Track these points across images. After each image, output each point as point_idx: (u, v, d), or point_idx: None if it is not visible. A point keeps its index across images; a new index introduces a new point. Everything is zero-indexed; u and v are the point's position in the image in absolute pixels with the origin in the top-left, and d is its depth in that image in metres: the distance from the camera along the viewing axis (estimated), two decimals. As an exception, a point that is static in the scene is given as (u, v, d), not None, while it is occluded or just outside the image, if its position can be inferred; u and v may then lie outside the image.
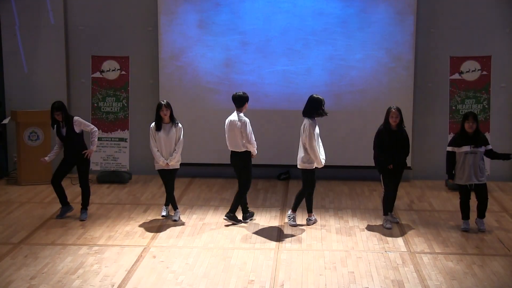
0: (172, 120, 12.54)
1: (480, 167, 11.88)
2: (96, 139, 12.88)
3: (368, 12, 15.77)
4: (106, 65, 15.95)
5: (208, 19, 16.02)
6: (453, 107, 15.42)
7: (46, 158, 12.85)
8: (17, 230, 12.15)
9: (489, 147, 12.01)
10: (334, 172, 15.66)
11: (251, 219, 12.73)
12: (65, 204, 12.96)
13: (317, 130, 12.04)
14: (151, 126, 12.58)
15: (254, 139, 12.32)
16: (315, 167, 12.17)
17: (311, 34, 15.93)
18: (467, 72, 15.36)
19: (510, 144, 15.88)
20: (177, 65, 16.17)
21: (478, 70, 15.35)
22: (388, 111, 12.12)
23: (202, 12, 16.01)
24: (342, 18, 15.81)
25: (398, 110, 12.07)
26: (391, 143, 12.08)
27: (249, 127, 12.24)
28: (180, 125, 12.64)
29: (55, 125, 12.67)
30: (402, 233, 12.05)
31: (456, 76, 15.41)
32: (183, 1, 16.00)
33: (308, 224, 12.52)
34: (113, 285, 9.58)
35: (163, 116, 12.44)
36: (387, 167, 12.20)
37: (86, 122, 12.84)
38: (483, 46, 15.72)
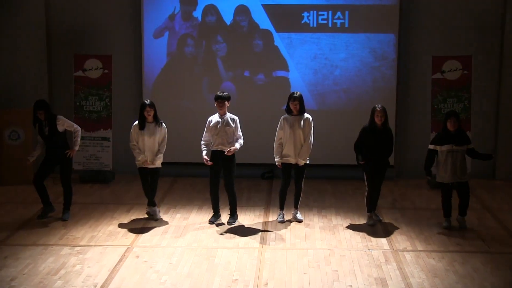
0: (156, 119, 12.48)
1: (462, 165, 11.94)
2: (79, 139, 12.79)
3: (352, 11, 15.79)
4: (88, 63, 15.89)
5: (192, 17, 16.02)
6: (435, 106, 15.47)
7: (30, 158, 12.79)
8: (-2, 230, 12.11)
9: (471, 146, 12.06)
10: (318, 171, 15.67)
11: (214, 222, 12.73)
12: (48, 205, 12.88)
13: None
14: (134, 124, 12.50)
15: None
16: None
17: (295, 33, 15.94)
18: (448, 71, 15.42)
19: (490, 143, 16.01)
20: (160, 64, 16.14)
21: (460, 69, 15.41)
22: (373, 110, 12.15)
23: (186, 9, 16.00)
24: (326, 17, 15.82)
25: (383, 109, 12.10)
26: (376, 142, 12.09)
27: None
28: (164, 124, 12.59)
29: (37, 124, 12.57)
30: (385, 232, 12.08)
31: (438, 75, 15.47)
32: (166, -1, 16.04)
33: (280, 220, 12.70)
34: (96, 286, 9.54)
35: (146, 116, 12.36)
36: (368, 165, 12.27)
37: (70, 122, 12.76)
38: (464, 46, 15.78)
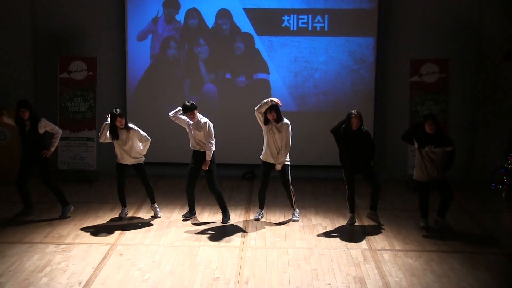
0: (126, 126, 12.47)
1: (438, 166, 11.99)
2: (58, 141, 12.80)
3: (332, 14, 15.86)
4: (73, 65, 15.89)
5: (175, 20, 16.06)
6: (413, 108, 15.57)
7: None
8: (-16, 228, 12.10)
9: (450, 148, 11.99)
10: (298, 172, 15.73)
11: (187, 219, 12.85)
12: (28, 207, 12.89)
13: None
14: (106, 126, 12.50)
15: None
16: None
17: (276, 37, 16.00)
18: (426, 74, 15.52)
19: (467, 145, 16.10)
20: (143, 66, 16.17)
21: (437, 72, 15.51)
22: (349, 116, 12.11)
23: (169, 12, 16.04)
24: (307, 20, 15.89)
25: (359, 115, 12.07)
26: (353, 145, 12.14)
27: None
28: (132, 125, 12.56)
29: (17, 122, 12.61)
30: (363, 231, 12.14)
31: (416, 78, 15.57)
32: (151, 0, 16.02)
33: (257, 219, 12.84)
34: (80, 283, 9.57)
35: (119, 126, 12.36)
36: (345, 167, 12.37)
37: (52, 124, 12.75)
38: (441, 49, 15.88)
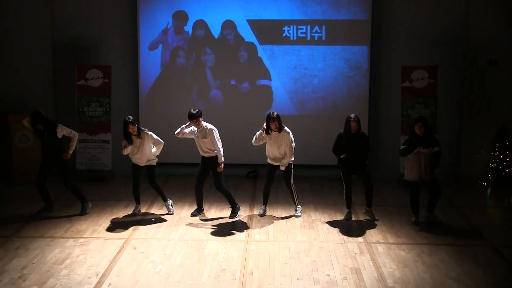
0: (139, 132, 12.46)
1: (427, 166, 11.98)
2: (75, 144, 12.78)
3: (329, 24, 15.86)
4: (90, 73, 15.91)
5: (183, 30, 16.06)
6: (404, 112, 15.56)
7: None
8: (9, 224, 12.08)
9: (437, 149, 11.99)
10: (297, 171, 15.71)
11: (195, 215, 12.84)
12: (49, 205, 12.89)
13: None
14: (123, 142, 12.53)
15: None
16: None
17: (277, 45, 16.00)
18: (416, 80, 15.51)
19: (455, 145, 16.11)
20: (154, 74, 16.17)
21: (426, 78, 15.50)
22: (348, 119, 12.14)
23: (178, 23, 16.04)
24: (305, 30, 15.89)
25: (357, 118, 12.12)
26: (350, 146, 12.16)
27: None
28: (146, 130, 12.58)
29: (36, 130, 12.58)
30: (359, 226, 12.13)
31: (407, 83, 15.56)
32: (161, 13, 16.00)
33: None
34: (97, 274, 9.58)
35: (132, 132, 12.37)
36: (343, 166, 12.39)
37: (68, 129, 12.72)
38: (430, 56, 15.87)
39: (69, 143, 12.71)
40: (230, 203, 12.77)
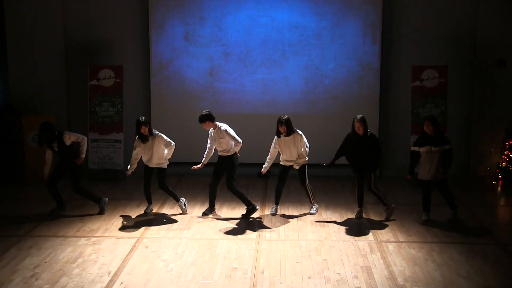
0: (151, 133, 12.46)
1: (437, 166, 11.95)
2: (85, 147, 12.73)
3: (340, 25, 15.84)
4: (102, 73, 15.94)
5: (194, 32, 16.07)
6: (415, 111, 15.52)
7: (43, 175, 12.87)
8: (22, 223, 12.11)
9: (448, 147, 11.96)
10: (309, 170, 15.73)
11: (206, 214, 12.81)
12: (61, 205, 12.90)
13: None
14: (136, 139, 12.54)
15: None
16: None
17: (288, 46, 15.99)
18: (427, 79, 15.48)
19: (464, 145, 16.06)
20: (165, 74, 16.20)
21: (437, 78, 15.46)
22: (352, 120, 12.16)
23: (188, 26, 16.05)
24: (316, 30, 15.88)
25: (361, 119, 12.08)
26: (358, 147, 12.15)
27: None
28: (157, 132, 12.58)
29: (45, 142, 12.58)
30: (370, 224, 12.11)
31: (417, 83, 15.52)
32: (171, 15, 16.02)
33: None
34: (109, 273, 9.58)
35: (144, 133, 12.36)
36: (354, 166, 12.43)
37: (75, 134, 12.69)
38: (440, 56, 15.84)
39: (79, 148, 12.72)
40: (244, 203, 12.67)
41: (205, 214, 12.72)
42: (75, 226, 11.91)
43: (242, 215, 12.63)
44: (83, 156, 12.77)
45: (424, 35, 15.93)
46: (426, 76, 15.51)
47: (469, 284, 9.23)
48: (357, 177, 12.53)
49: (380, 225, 12.05)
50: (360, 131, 12.06)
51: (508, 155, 15.30)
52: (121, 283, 9.25)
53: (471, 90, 16.02)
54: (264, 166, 12.67)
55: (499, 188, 15.13)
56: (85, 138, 12.82)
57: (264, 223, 12.20)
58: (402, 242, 11.07)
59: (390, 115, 16.23)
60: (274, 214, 12.75)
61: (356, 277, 9.49)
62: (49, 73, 16.28)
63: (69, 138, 12.58)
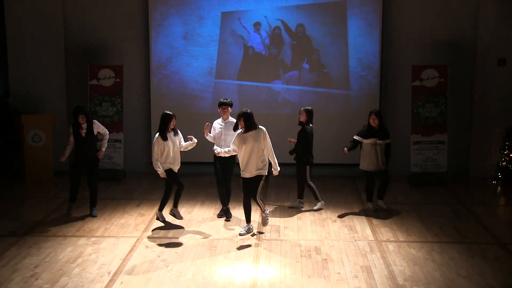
0: (174, 130, 11.95)
1: (382, 156, 12.72)
2: (107, 141, 12.72)
3: (340, 25, 15.82)
4: (102, 73, 15.93)
5: (193, 31, 16.05)
6: (415, 111, 15.51)
7: (62, 156, 12.42)
8: (22, 223, 12.12)
9: (389, 141, 12.83)
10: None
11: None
12: (74, 201, 12.75)
13: None
14: (156, 138, 11.66)
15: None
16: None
17: (288, 45, 15.98)
18: (427, 79, 15.46)
19: (465, 144, 16.02)
20: (164, 74, 16.18)
21: (437, 77, 15.45)
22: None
23: (187, 25, 16.03)
24: (317, 30, 15.86)
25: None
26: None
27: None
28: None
29: (74, 127, 12.35)
30: (369, 224, 12.11)
31: (417, 83, 15.50)
32: (170, 14, 16.01)
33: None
34: (109, 273, 9.58)
35: (171, 126, 11.79)
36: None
37: (101, 126, 12.66)
38: (440, 56, 15.83)
39: (101, 141, 12.63)
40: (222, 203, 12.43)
41: (220, 216, 12.55)
42: (75, 226, 11.90)
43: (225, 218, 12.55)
44: (104, 149, 12.70)
45: (424, 34, 15.91)
46: (426, 75, 15.49)
47: (469, 284, 9.23)
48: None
49: (379, 225, 12.04)
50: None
51: (508, 155, 15.28)
52: (121, 283, 9.25)
53: (471, 90, 16.00)
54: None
55: (499, 188, 15.12)
56: (108, 132, 12.80)
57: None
58: (402, 241, 11.06)
59: (390, 114, 16.20)
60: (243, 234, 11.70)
61: (356, 276, 9.49)
62: (49, 72, 16.25)
63: (98, 127, 12.52)
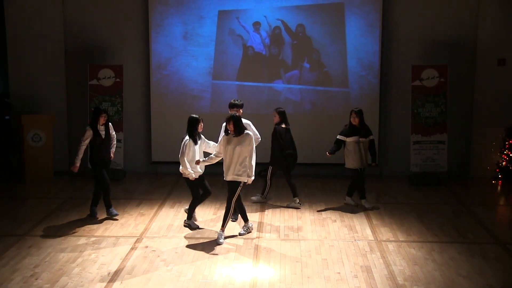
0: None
1: (366, 154, 13.04)
2: (115, 142, 12.76)
3: (340, 25, 15.81)
4: (102, 73, 15.92)
5: (193, 31, 16.03)
6: (415, 111, 15.49)
7: (75, 166, 12.24)
8: (22, 222, 12.13)
9: (372, 137, 13.18)
10: (309, 169, 15.75)
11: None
12: (96, 204, 12.63)
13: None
14: (187, 141, 11.44)
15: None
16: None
17: (288, 45, 15.97)
18: (426, 79, 15.45)
19: (465, 144, 16.03)
20: (164, 74, 16.16)
21: (437, 77, 15.44)
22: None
23: (187, 25, 16.02)
24: (317, 30, 15.85)
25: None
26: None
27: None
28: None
29: (94, 128, 12.22)
30: (369, 223, 12.10)
31: (417, 82, 15.49)
32: (170, 14, 16.00)
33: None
34: (109, 273, 9.58)
35: (199, 130, 11.60)
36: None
37: (112, 128, 12.71)
38: (440, 56, 15.82)
39: (112, 142, 12.63)
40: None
41: (234, 220, 12.28)
42: (75, 226, 11.90)
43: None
44: (114, 150, 12.73)
45: (424, 34, 15.91)
46: (426, 75, 15.48)
47: (469, 284, 9.23)
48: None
49: (379, 224, 12.04)
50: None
51: (508, 155, 15.29)
52: (121, 282, 9.25)
53: (471, 90, 15.99)
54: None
55: (499, 188, 15.12)
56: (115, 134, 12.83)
57: (264, 223, 12.20)
58: (402, 241, 11.06)
59: (390, 114, 16.20)
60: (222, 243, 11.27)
61: (356, 276, 9.49)
62: (49, 72, 16.24)
63: (112, 129, 12.59)
